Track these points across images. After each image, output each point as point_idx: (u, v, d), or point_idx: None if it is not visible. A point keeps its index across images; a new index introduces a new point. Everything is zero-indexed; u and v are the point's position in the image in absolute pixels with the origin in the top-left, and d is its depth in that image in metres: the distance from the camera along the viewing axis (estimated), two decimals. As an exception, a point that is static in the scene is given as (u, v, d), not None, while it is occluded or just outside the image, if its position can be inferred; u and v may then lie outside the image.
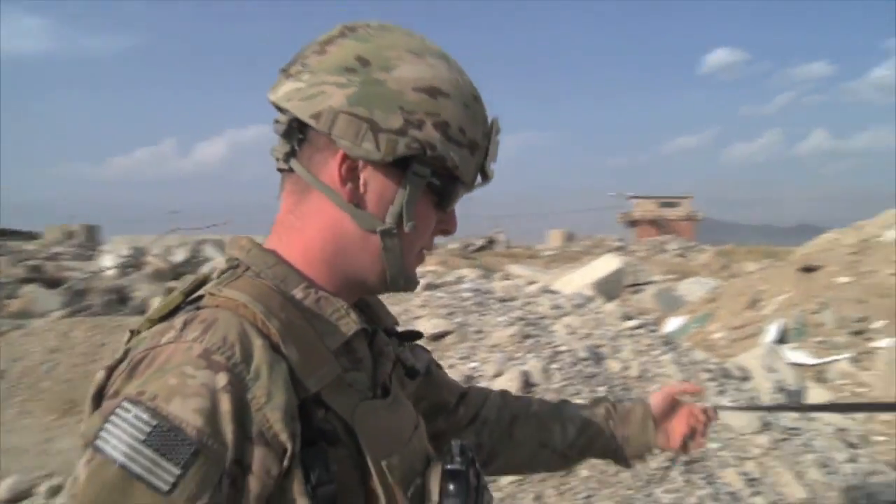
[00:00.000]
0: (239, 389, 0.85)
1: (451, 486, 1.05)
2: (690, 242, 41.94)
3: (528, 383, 4.14)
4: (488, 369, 4.27)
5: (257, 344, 0.89)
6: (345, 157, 1.00)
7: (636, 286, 14.22)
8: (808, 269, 9.53)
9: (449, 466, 1.06)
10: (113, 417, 0.82)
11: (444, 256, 29.28)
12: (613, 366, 4.56)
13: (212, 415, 0.82)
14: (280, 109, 1.04)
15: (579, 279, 11.54)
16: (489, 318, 5.01)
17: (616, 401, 1.58)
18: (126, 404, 0.82)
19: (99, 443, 0.81)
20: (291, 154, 1.04)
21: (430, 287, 5.50)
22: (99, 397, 0.90)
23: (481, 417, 1.44)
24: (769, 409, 5.03)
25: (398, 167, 1.01)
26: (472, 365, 4.40)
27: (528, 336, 4.63)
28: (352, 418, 0.97)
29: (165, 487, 0.78)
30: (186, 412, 0.81)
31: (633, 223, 64.23)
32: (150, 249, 16.03)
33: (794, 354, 7.73)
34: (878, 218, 10.54)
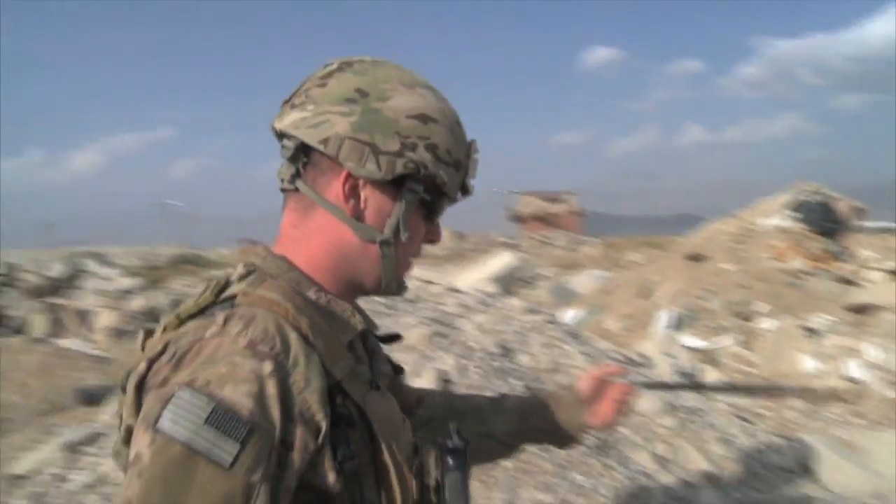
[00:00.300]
0: (282, 375, 0.95)
1: (451, 461, 1.21)
2: (578, 236, 43.00)
3: (445, 381, 4.25)
4: (405, 370, 4.35)
5: (292, 336, 1.00)
6: (348, 177, 1.13)
7: (530, 281, 14.55)
8: (695, 258, 10.02)
9: (450, 444, 1.23)
10: (172, 402, 0.90)
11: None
12: (524, 360, 4.73)
13: (261, 398, 0.91)
14: (285, 136, 1.17)
15: (475, 276, 11.74)
16: (400, 320, 5.09)
17: (540, 390, 1.70)
18: (183, 390, 0.91)
19: (161, 425, 0.89)
20: (297, 175, 1.18)
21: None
22: (141, 387, 0.98)
23: (437, 418, 1.55)
24: (682, 387, 5.30)
25: (394, 185, 1.15)
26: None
27: (440, 335, 4.74)
28: (364, 405, 1.08)
29: (228, 461, 0.88)
30: (239, 396, 0.91)
31: (520, 219, 65.09)
32: (22, 265, 15.31)
33: (688, 339, 8.14)
34: (756, 207, 11.15)
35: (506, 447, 1.64)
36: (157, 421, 0.90)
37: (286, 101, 1.19)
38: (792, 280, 9.18)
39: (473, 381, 4.23)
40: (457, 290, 6.34)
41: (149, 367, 0.99)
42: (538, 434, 1.64)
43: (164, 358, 0.98)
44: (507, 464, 3.72)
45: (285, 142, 1.18)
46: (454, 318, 5.37)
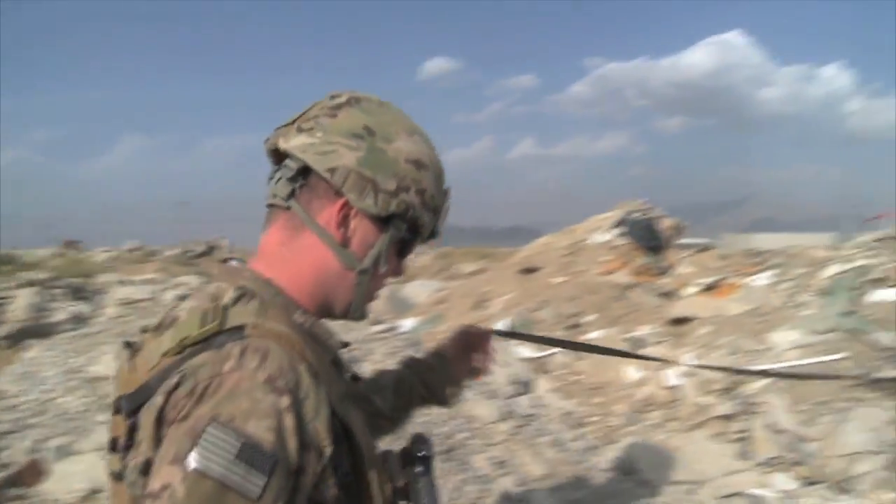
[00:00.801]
0: (297, 408, 1.02)
1: (421, 467, 1.36)
2: (411, 246, 43.41)
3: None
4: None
5: (302, 369, 1.07)
6: (344, 206, 1.23)
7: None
8: (528, 271, 10.46)
9: (420, 454, 1.38)
10: (203, 439, 0.96)
11: (164, 264, 27.87)
12: (368, 369, 4.81)
13: (280, 431, 0.99)
14: (287, 156, 1.25)
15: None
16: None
17: (410, 358, 1.86)
18: (212, 427, 0.96)
19: (194, 461, 0.95)
20: (291, 195, 1.25)
21: (183, 298, 5.34)
22: (160, 419, 1.02)
23: None
24: (552, 342, 5.53)
25: (382, 220, 1.26)
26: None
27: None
28: (349, 423, 1.17)
29: (257, 494, 0.95)
30: (262, 431, 0.97)
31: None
32: None
33: (521, 349, 8.49)
34: (586, 222, 11.79)
35: (390, 421, 1.75)
36: (188, 457, 0.95)
37: (290, 124, 1.27)
38: (618, 293, 9.78)
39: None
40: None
41: (166, 400, 1.03)
42: (418, 400, 1.76)
43: (182, 391, 1.02)
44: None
45: (288, 162, 1.25)
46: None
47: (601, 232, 11.13)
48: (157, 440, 1.02)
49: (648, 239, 10.90)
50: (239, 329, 1.09)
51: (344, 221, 1.24)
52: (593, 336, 8.80)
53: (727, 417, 6.88)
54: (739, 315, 8.62)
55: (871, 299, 7.84)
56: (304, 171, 1.23)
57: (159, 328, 1.19)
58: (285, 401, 1.01)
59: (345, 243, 1.25)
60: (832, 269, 8.80)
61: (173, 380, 1.04)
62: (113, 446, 1.15)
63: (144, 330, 1.24)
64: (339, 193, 1.23)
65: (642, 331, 8.86)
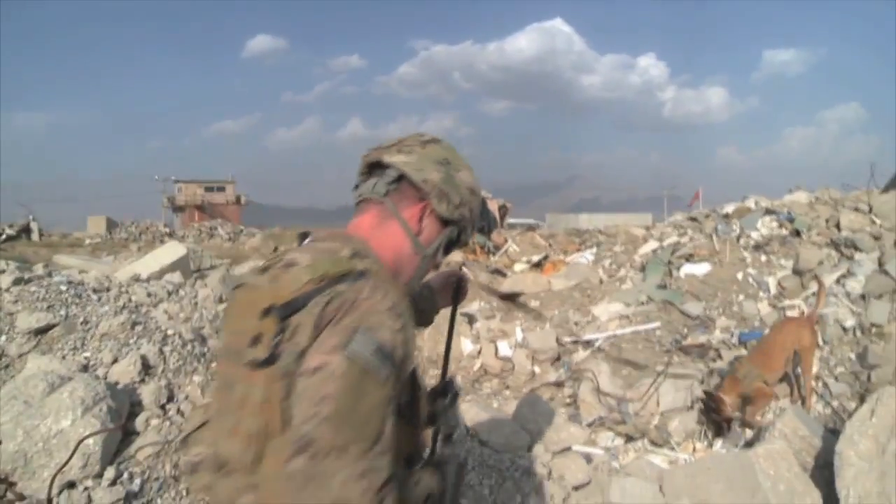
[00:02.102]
0: (404, 331, 1.47)
1: (448, 400, 1.85)
2: (238, 227, 42.44)
3: (146, 366, 4.22)
4: (104, 357, 4.23)
5: (405, 306, 1.52)
6: (425, 207, 1.72)
7: (202, 271, 14.28)
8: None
9: (455, 390, 1.89)
10: (354, 338, 1.40)
11: (-34, 248, 25.90)
12: (217, 344, 4.84)
13: (396, 342, 1.44)
14: (389, 167, 1.72)
15: (145, 267, 11.28)
16: (92, 309, 4.90)
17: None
18: (359, 331, 1.41)
19: (347, 351, 1.39)
20: (386, 194, 1.72)
21: (19, 282, 5.12)
22: (318, 323, 1.43)
23: None
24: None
25: (444, 223, 1.75)
26: (86, 354, 4.30)
27: (136, 323, 4.66)
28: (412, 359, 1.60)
29: (384, 378, 1.41)
30: (387, 339, 1.42)
31: (180, 208, 62.58)
32: None
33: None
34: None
35: None
36: (345, 348, 1.39)
37: (391, 146, 1.76)
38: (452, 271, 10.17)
39: (173, 365, 4.26)
40: (144, 280, 6.19)
41: (322, 310, 1.44)
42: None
43: (332, 306, 1.45)
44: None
45: (389, 171, 1.73)
46: (146, 307, 5.30)
47: (434, 212, 11.48)
48: (314, 337, 1.44)
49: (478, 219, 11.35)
50: (364, 273, 1.54)
51: (421, 219, 1.72)
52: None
53: (557, 384, 7.39)
54: (567, 289, 9.22)
55: (682, 273, 8.62)
56: (399, 179, 1.72)
57: (269, 268, 1.63)
58: (399, 324, 1.47)
59: (418, 234, 1.73)
60: (648, 247, 9.59)
61: (324, 298, 1.46)
62: (254, 342, 1.50)
63: (256, 270, 1.68)
64: (422, 199, 1.72)
65: (475, 306, 9.27)
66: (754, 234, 8.86)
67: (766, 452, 4.42)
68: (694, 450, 6.16)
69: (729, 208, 9.81)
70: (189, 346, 4.57)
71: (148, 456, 3.67)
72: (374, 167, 1.79)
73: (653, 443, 6.27)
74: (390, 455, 1.45)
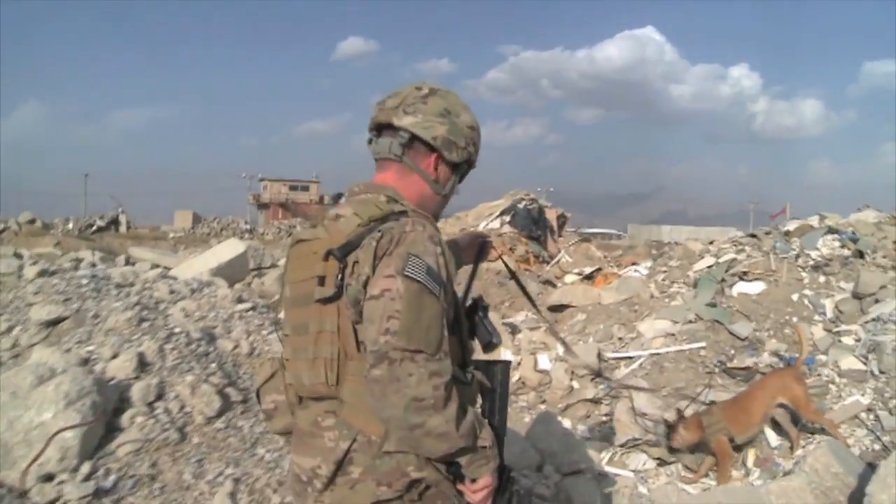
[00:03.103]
0: (444, 256, 1.80)
1: (482, 313, 2.09)
2: (319, 224, 43.01)
3: (143, 363, 4.22)
4: (105, 352, 4.27)
5: (441, 236, 1.84)
6: (438, 158, 2.02)
7: (260, 269, 14.49)
8: (414, 254, 10.52)
9: (483, 305, 2.13)
10: (409, 262, 1.71)
11: (60, 237, 26.90)
12: (226, 345, 4.80)
13: (439, 263, 1.76)
14: (400, 129, 1.99)
15: (202, 264, 11.45)
16: (107, 304, 4.96)
17: None
18: (411, 257, 1.72)
19: (407, 272, 1.70)
20: (403, 153, 2.00)
21: (44, 273, 5.26)
22: (375, 255, 1.74)
23: None
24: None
25: (455, 165, 2.06)
26: (90, 348, 4.36)
27: (144, 320, 4.68)
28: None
29: (438, 293, 1.72)
30: (432, 261, 1.75)
31: (264, 206, 64.01)
32: None
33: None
34: (476, 209, 11.95)
35: None
36: (403, 271, 1.70)
37: (396, 108, 2.00)
38: (501, 280, 10.00)
39: (170, 363, 4.26)
40: (171, 277, 6.25)
41: (377, 244, 1.75)
42: None
43: (385, 240, 1.76)
44: (195, 439, 3.85)
45: (401, 133, 1.99)
46: (163, 304, 5.32)
47: (490, 219, 11.31)
48: (374, 267, 1.74)
49: (533, 227, 11.14)
50: (404, 213, 1.89)
51: (436, 167, 2.04)
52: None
53: (595, 401, 7.15)
54: (614, 304, 8.94)
55: (734, 291, 8.24)
56: (411, 139, 1.99)
57: (327, 223, 1.94)
58: (439, 250, 1.79)
59: (436, 179, 2.04)
60: (704, 263, 9.21)
61: (376, 235, 1.78)
62: (322, 282, 1.83)
63: (305, 227, 2.07)
64: (433, 151, 2.01)
65: (520, 317, 9.08)
66: (814, 254, 8.39)
67: (779, 489, 4.15)
68: (730, 478, 5.87)
69: (791, 225, 9.35)
70: (193, 346, 4.57)
71: (128, 453, 3.69)
72: (383, 127, 2.05)
73: (687, 468, 6.01)
74: (449, 359, 1.74)
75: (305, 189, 66.99)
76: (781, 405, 5.71)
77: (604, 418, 7.05)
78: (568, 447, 4.88)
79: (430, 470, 1.83)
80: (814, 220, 9.30)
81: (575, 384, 7.60)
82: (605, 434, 6.65)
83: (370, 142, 2.11)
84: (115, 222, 38.66)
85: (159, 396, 4.02)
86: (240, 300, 5.64)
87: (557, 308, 9.31)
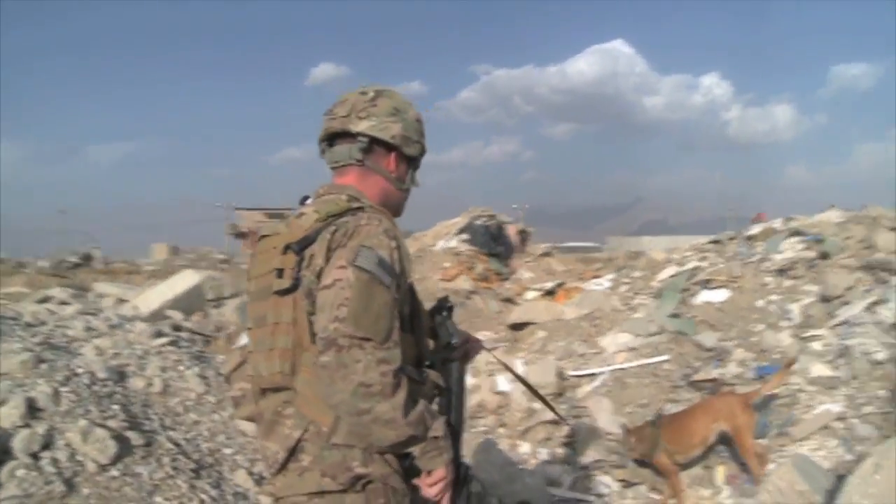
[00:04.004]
0: (399, 250, 1.89)
1: (445, 314, 2.24)
2: (294, 252, 42.67)
3: (33, 409, 3.84)
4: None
5: (397, 231, 1.95)
6: (397, 156, 2.14)
7: (220, 300, 14.06)
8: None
9: (446, 305, 2.25)
10: (360, 253, 1.81)
11: (33, 276, 26.42)
12: (137, 383, 4.44)
13: (392, 256, 1.86)
14: (359, 135, 2.08)
15: (158, 296, 11.09)
16: (7, 346, 4.58)
17: None
18: (363, 248, 1.83)
19: (358, 263, 1.80)
20: (364, 158, 2.10)
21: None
22: (329, 247, 1.86)
23: None
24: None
25: (409, 159, 2.18)
26: (-22, 395, 4.00)
27: (42, 361, 4.31)
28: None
29: (388, 284, 1.81)
30: (385, 253, 1.84)
31: (242, 235, 63.62)
32: None
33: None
34: (434, 228, 11.62)
35: None
36: (354, 262, 1.80)
37: (346, 116, 2.09)
38: (459, 300, 9.64)
39: (64, 408, 3.88)
40: (91, 313, 5.86)
41: (332, 237, 1.86)
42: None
43: (339, 233, 1.87)
44: (84, 490, 3.48)
45: (360, 138, 2.08)
46: (78, 342, 4.96)
47: (447, 238, 10.98)
48: (327, 259, 1.84)
49: (492, 245, 10.84)
50: (361, 208, 1.98)
51: (396, 164, 2.14)
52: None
53: (555, 422, 6.79)
54: (575, 319, 8.60)
55: (698, 300, 7.93)
56: (371, 143, 2.08)
57: (291, 219, 2.03)
58: (394, 244, 1.88)
59: (397, 177, 2.15)
60: (667, 272, 8.90)
61: (332, 228, 1.89)
62: (280, 275, 1.91)
63: (275, 224, 2.13)
64: (391, 149, 2.12)
65: (479, 336, 8.73)
66: (778, 258, 8.08)
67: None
68: (698, 498, 5.54)
69: (755, 229, 9.05)
70: (97, 386, 4.20)
71: (4, 511, 3.27)
72: (337, 135, 2.12)
73: (654, 489, 5.67)
74: (399, 349, 1.79)
75: (283, 216, 66.67)
76: (723, 432, 5.34)
77: (566, 440, 6.72)
78: (510, 477, 4.51)
79: (377, 465, 1.87)
80: (777, 223, 9.02)
81: (535, 405, 7.25)
82: (567, 456, 6.32)
83: (322, 152, 2.19)
84: (88, 258, 38.04)
85: (46, 445, 3.61)
86: (159, 334, 5.26)
87: (518, 326, 8.95)
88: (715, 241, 9.22)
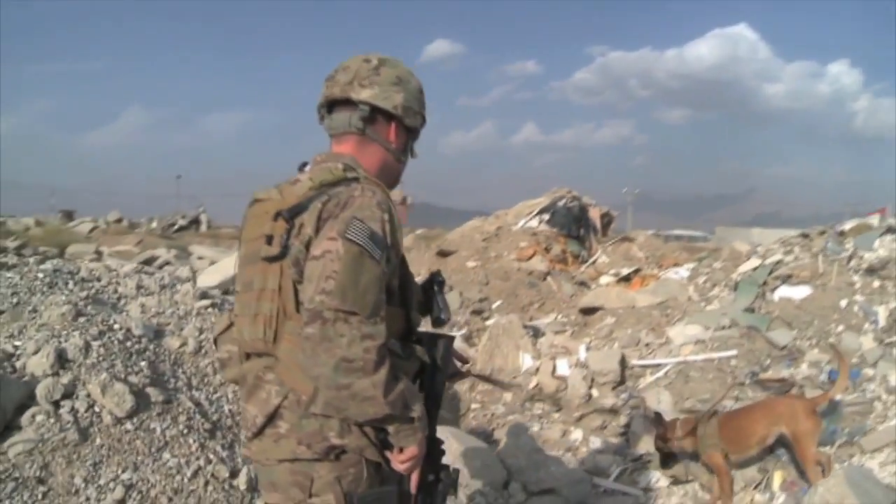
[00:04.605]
0: (391, 222, 1.86)
1: (437, 287, 2.21)
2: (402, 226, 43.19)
3: (63, 359, 3.97)
4: (30, 347, 4.05)
5: (390, 203, 1.91)
6: (397, 126, 2.10)
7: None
8: (444, 254, 10.12)
9: (439, 279, 2.24)
10: (351, 225, 1.77)
11: (143, 236, 27.64)
12: (172, 343, 4.53)
13: (383, 230, 1.82)
14: (360, 103, 2.04)
15: (229, 263, 11.29)
16: (54, 298, 4.75)
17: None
18: (355, 220, 1.78)
19: (348, 235, 1.76)
20: (364, 127, 2.06)
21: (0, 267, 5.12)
22: (319, 217, 1.83)
23: None
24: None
25: (410, 130, 2.15)
26: (18, 343, 4.17)
27: (81, 314, 4.47)
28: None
29: (379, 257, 1.78)
30: (377, 227, 1.81)
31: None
32: None
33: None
34: (515, 208, 11.44)
35: None
36: (345, 234, 1.76)
37: (350, 82, 2.05)
38: (532, 280, 9.46)
39: (91, 361, 3.98)
40: (148, 273, 6.02)
41: (323, 207, 1.83)
42: None
43: (332, 203, 1.84)
44: (97, 441, 3.57)
45: (361, 107, 2.04)
46: (126, 299, 5.10)
47: (528, 218, 10.77)
48: (317, 229, 1.81)
49: (573, 226, 10.57)
50: (356, 178, 1.94)
51: (396, 135, 2.11)
52: (490, 322, 8.46)
53: (612, 411, 6.59)
54: (646, 307, 8.30)
55: (776, 296, 7.51)
56: (373, 111, 2.05)
57: (283, 185, 2.01)
58: (386, 216, 1.85)
59: (396, 147, 2.13)
60: (749, 265, 8.46)
61: (324, 198, 1.86)
62: (269, 241, 1.87)
63: (268, 188, 2.06)
64: (392, 119, 2.09)
65: (547, 319, 8.54)
66: (868, 255, 7.54)
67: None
68: (751, 502, 5.26)
69: (847, 225, 8.47)
70: (130, 342, 4.29)
71: (18, 454, 3.40)
72: (337, 102, 2.08)
73: (704, 487, 5.42)
74: (385, 324, 1.77)
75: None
76: (783, 436, 4.99)
77: (621, 430, 6.51)
78: (535, 464, 4.37)
79: (354, 437, 1.87)
80: (874, 219, 8.42)
81: (595, 392, 7.05)
82: (618, 447, 6.12)
83: (321, 119, 2.14)
84: (196, 221, 39.55)
85: (68, 395, 3.73)
86: (203, 296, 5.34)
87: (589, 311, 8.71)
88: (803, 235, 8.70)
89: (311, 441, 1.87)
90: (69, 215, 39.30)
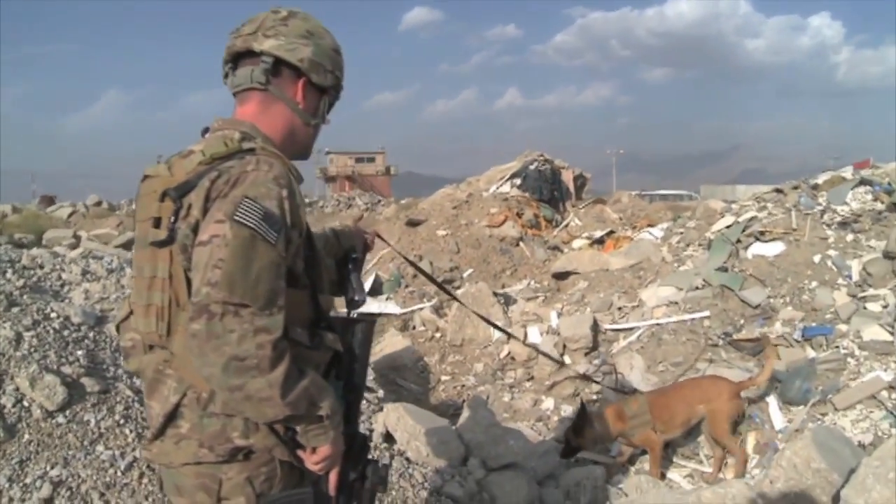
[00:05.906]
0: (291, 198, 1.68)
1: (352, 265, 2.14)
2: (377, 196, 42.85)
3: (-4, 354, 3.78)
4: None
5: (291, 177, 1.73)
6: (305, 83, 1.91)
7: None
8: (413, 223, 9.92)
9: (353, 255, 2.17)
10: (241, 206, 1.59)
11: (122, 218, 27.37)
12: (114, 329, 4.36)
13: (282, 209, 1.64)
14: (262, 54, 1.84)
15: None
16: (-6, 287, 4.55)
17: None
18: (245, 200, 1.60)
19: (237, 218, 1.57)
20: (268, 81, 1.86)
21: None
22: (207, 197, 1.64)
23: None
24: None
25: (320, 90, 1.95)
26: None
27: (14, 304, 4.28)
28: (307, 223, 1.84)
29: (273, 241, 1.60)
30: (273, 207, 1.63)
31: (331, 179, 64.40)
32: None
33: (384, 305, 8.02)
34: (487, 173, 11.21)
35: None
36: (233, 216, 1.57)
37: (253, 33, 1.85)
38: (504, 247, 9.29)
39: (22, 352, 3.80)
40: (96, 257, 5.83)
41: (211, 185, 1.64)
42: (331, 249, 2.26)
43: (221, 181, 1.64)
44: (25, 437, 3.39)
45: (264, 58, 1.85)
46: (70, 286, 4.91)
47: (500, 183, 10.55)
48: (205, 210, 1.62)
49: (545, 190, 10.38)
50: (251, 150, 1.73)
51: (304, 94, 1.90)
52: (461, 291, 8.29)
53: (585, 377, 6.46)
54: (619, 270, 8.15)
55: (749, 254, 7.37)
56: (275, 64, 1.85)
57: (173, 159, 1.78)
58: (285, 192, 1.66)
59: (303, 108, 1.91)
60: (723, 222, 8.32)
61: (213, 174, 1.65)
62: (157, 224, 1.69)
63: (158, 162, 1.82)
64: (299, 75, 1.88)
65: (519, 286, 8.38)
66: (841, 209, 7.39)
67: (712, 497, 3.41)
68: (725, 464, 5.15)
69: (821, 178, 8.31)
70: (68, 331, 4.10)
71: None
72: (241, 56, 1.88)
73: (679, 455, 5.31)
74: (283, 315, 1.59)
75: (371, 160, 67.16)
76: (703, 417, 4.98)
77: (594, 397, 6.39)
78: (494, 439, 4.22)
79: (261, 436, 1.72)
80: (847, 172, 8.27)
81: (567, 359, 6.92)
82: (595, 414, 6.00)
83: (226, 76, 1.95)
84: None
85: (-10, 392, 3.53)
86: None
87: (562, 275, 8.55)
88: (777, 191, 8.54)
89: (213, 443, 1.71)
90: (50, 200, 38.80)
